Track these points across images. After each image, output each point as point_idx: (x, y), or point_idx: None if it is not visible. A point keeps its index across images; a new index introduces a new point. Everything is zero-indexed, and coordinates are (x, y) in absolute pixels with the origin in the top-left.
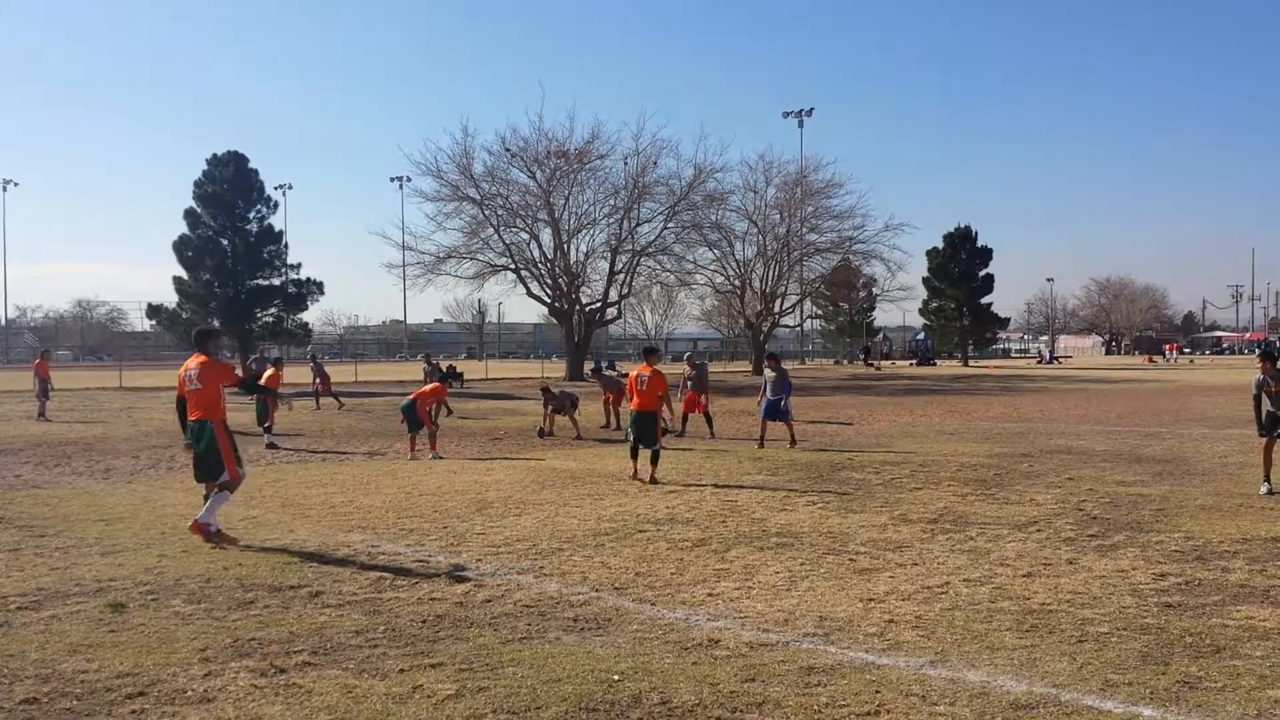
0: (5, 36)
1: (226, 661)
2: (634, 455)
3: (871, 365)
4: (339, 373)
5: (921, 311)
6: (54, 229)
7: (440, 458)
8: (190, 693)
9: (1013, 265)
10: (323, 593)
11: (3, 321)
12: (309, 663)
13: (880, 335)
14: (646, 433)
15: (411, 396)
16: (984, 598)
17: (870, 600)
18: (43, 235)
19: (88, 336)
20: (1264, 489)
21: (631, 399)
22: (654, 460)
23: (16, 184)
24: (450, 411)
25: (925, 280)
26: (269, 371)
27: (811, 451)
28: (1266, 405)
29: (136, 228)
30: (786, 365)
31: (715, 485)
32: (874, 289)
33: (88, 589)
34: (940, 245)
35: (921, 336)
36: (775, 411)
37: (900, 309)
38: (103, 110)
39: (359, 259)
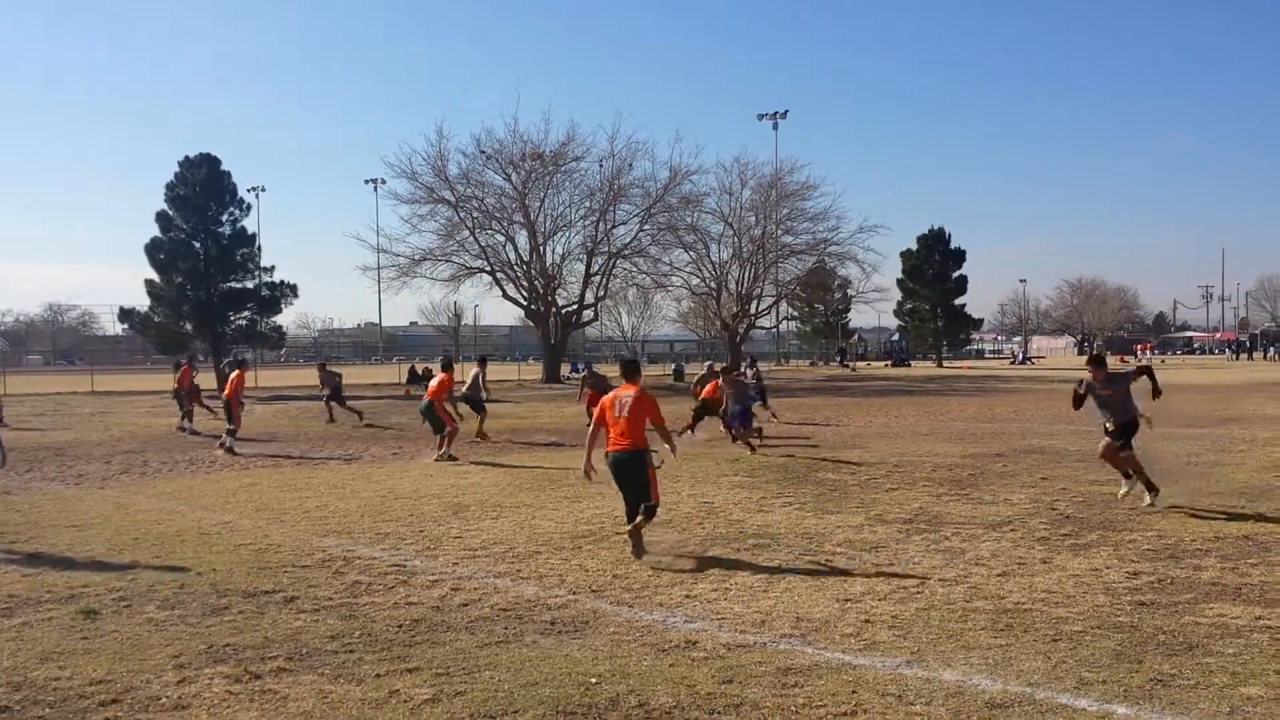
0: None
1: (200, 668)
2: (631, 517)
3: (847, 366)
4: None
5: (896, 313)
6: (23, 230)
7: (454, 458)
8: (164, 700)
9: (986, 267)
10: (298, 598)
11: None
12: (284, 668)
13: (855, 336)
14: (637, 486)
15: (427, 398)
16: (959, 597)
17: (847, 601)
18: (11, 236)
19: (59, 340)
20: (1123, 489)
21: (607, 433)
22: (649, 515)
23: None
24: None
25: (899, 282)
26: (234, 375)
27: (787, 453)
28: (1100, 416)
29: (108, 229)
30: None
31: (692, 487)
32: (849, 290)
33: (60, 596)
34: (914, 247)
35: (896, 337)
36: (733, 418)
37: (875, 310)
38: (73, 110)
39: (333, 262)
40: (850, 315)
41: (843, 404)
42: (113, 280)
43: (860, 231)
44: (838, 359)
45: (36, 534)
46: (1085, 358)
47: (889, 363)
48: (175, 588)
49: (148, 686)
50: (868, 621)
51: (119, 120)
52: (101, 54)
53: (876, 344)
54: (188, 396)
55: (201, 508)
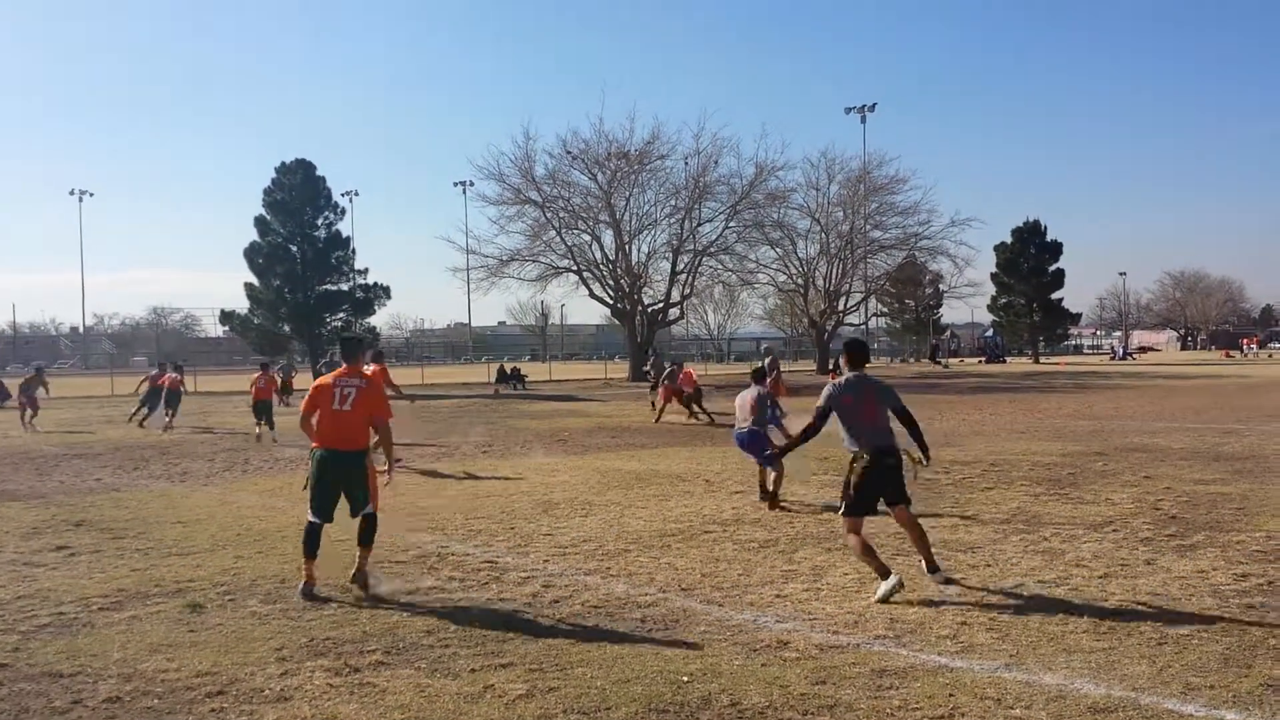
0: (79, 48)
1: (302, 661)
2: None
3: (939, 363)
4: (406, 375)
5: (990, 308)
6: (129, 237)
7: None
8: (268, 691)
9: (1083, 260)
10: (394, 592)
11: (81, 329)
12: (382, 662)
13: (948, 332)
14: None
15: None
16: (1059, 599)
17: (942, 602)
18: (118, 243)
19: (163, 343)
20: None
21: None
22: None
23: (91, 194)
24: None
25: (993, 276)
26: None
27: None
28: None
29: (209, 234)
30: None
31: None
32: (941, 285)
33: (167, 590)
34: (1008, 240)
35: (990, 333)
36: (749, 443)
37: (968, 305)
38: (175, 118)
39: (424, 264)
40: (942, 311)
41: (934, 401)
42: (211, 289)
43: (952, 225)
44: (929, 356)
45: (144, 530)
46: (1190, 352)
47: (983, 359)
48: (276, 582)
49: (251, 679)
50: (964, 623)
51: (218, 126)
52: (199, 63)
53: (970, 340)
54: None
55: (301, 504)
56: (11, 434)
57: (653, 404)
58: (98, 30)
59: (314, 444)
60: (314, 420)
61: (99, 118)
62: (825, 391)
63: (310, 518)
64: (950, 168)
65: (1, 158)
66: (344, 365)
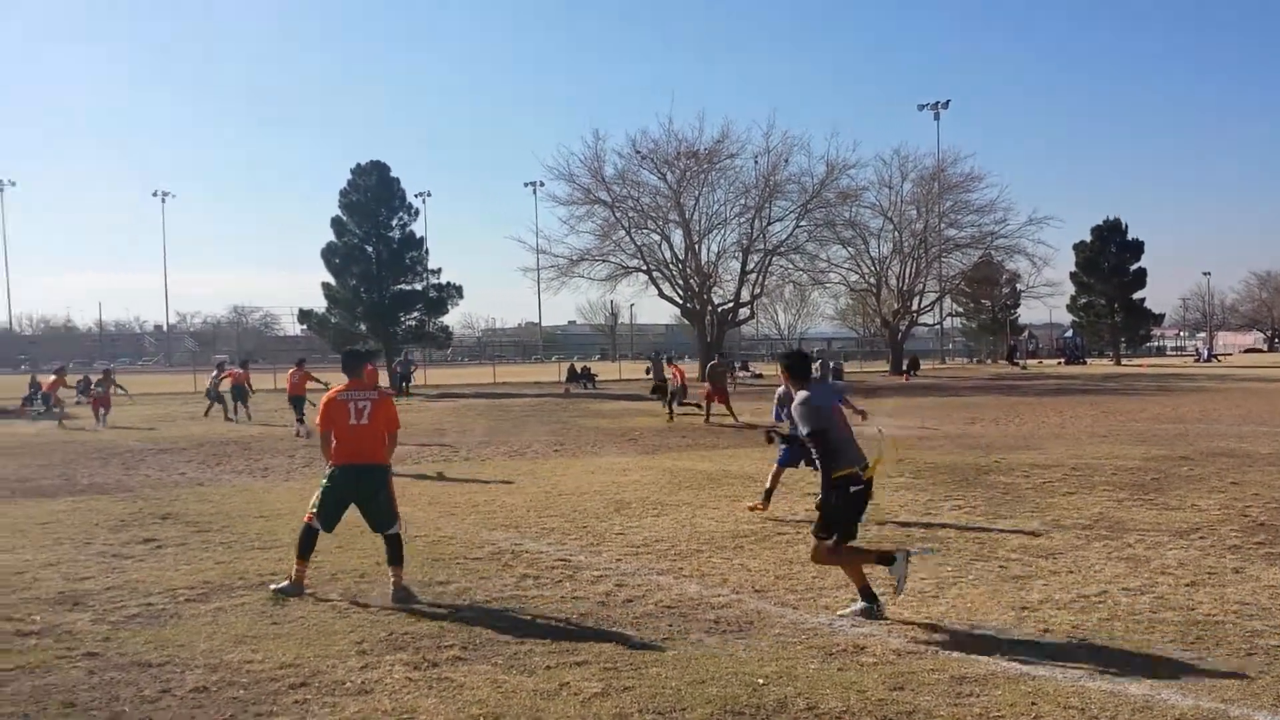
0: (163, 54)
1: (382, 654)
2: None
3: (1017, 364)
4: (478, 374)
5: (1069, 308)
6: (209, 237)
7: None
8: (349, 684)
9: (1166, 259)
10: (470, 589)
11: (165, 327)
12: (459, 657)
13: (1025, 333)
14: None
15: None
16: (1145, 607)
17: (1023, 609)
18: (200, 243)
19: (243, 341)
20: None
21: None
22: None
23: (174, 195)
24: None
25: (1073, 275)
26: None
27: (955, 454)
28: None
29: (287, 235)
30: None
31: None
32: (1018, 285)
33: (250, 582)
34: (1088, 239)
35: (1070, 334)
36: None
37: (1046, 305)
38: (252, 122)
39: (495, 263)
40: (1019, 311)
41: (1013, 403)
42: (292, 284)
43: (1029, 223)
44: (1007, 357)
45: (228, 524)
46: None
47: (1062, 360)
48: (355, 576)
49: (333, 671)
50: (1046, 631)
51: (296, 129)
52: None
53: (1048, 341)
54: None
55: None
56: (88, 430)
57: (669, 408)
58: (180, 33)
59: (330, 462)
60: (332, 438)
61: (181, 121)
62: (814, 409)
63: (313, 523)
64: (1026, 165)
65: (89, 160)
66: (348, 379)
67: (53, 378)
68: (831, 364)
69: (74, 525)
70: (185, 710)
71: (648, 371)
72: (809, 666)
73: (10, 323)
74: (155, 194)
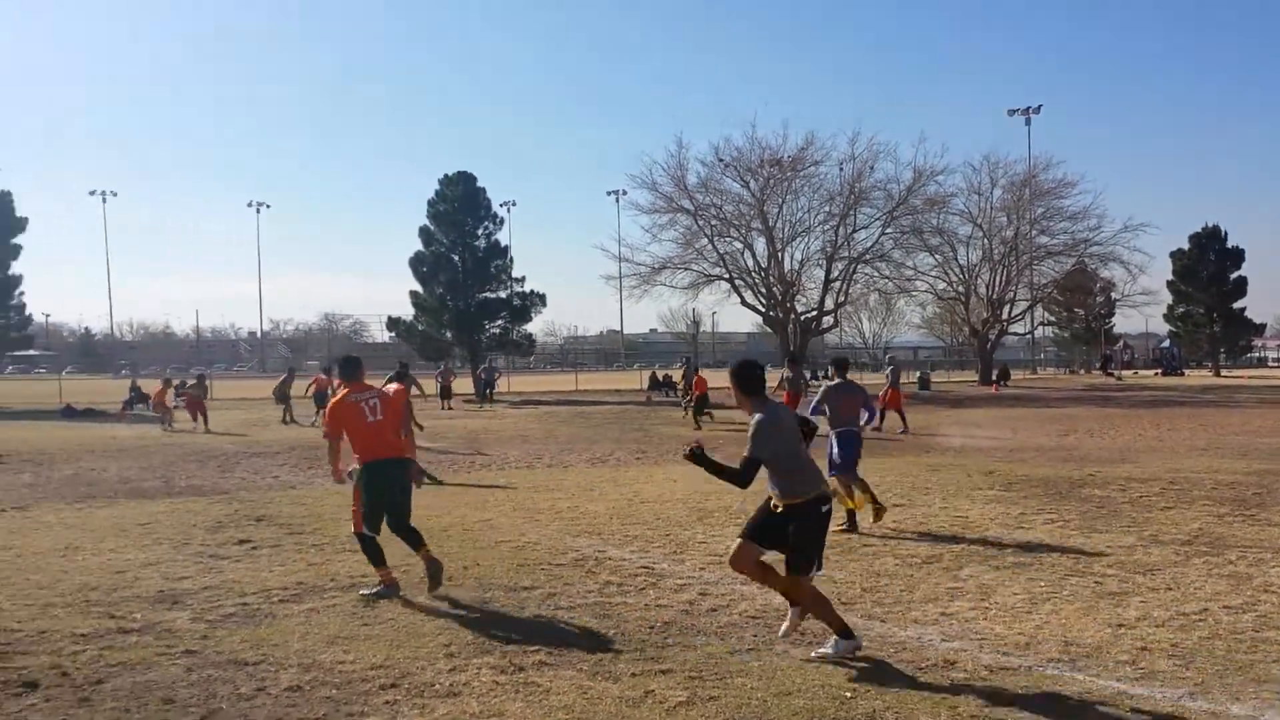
0: (253, 66)
1: (470, 658)
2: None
3: (1111, 375)
4: (560, 382)
5: (1166, 317)
6: (301, 246)
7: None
8: (438, 686)
9: (1269, 268)
10: (555, 595)
11: (259, 334)
12: (545, 662)
13: (1120, 343)
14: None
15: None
16: (1247, 626)
17: (1120, 626)
18: (292, 251)
19: (333, 347)
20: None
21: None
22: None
23: (269, 206)
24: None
25: (1170, 284)
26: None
27: (1047, 467)
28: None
29: (378, 244)
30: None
31: (944, 500)
32: (1112, 294)
33: (342, 584)
34: (1186, 246)
35: (1167, 344)
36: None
37: (1142, 315)
38: (344, 133)
39: (578, 272)
40: (1114, 320)
41: (1108, 415)
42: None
43: (1124, 230)
44: (1101, 367)
45: (320, 526)
46: None
47: (1159, 371)
48: (444, 580)
49: (422, 673)
50: (1144, 649)
51: (387, 141)
52: (366, 78)
53: (1144, 351)
54: (322, 399)
55: (464, 505)
56: (185, 433)
57: (686, 411)
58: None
59: (356, 461)
60: (344, 441)
61: (275, 134)
62: (767, 437)
63: (364, 531)
64: (1121, 172)
65: (186, 170)
66: (348, 383)
67: (159, 386)
68: (890, 365)
69: (172, 526)
70: (280, 709)
71: (682, 377)
72: (897, 681)
73: (112, 329)
74: (250, 204)
